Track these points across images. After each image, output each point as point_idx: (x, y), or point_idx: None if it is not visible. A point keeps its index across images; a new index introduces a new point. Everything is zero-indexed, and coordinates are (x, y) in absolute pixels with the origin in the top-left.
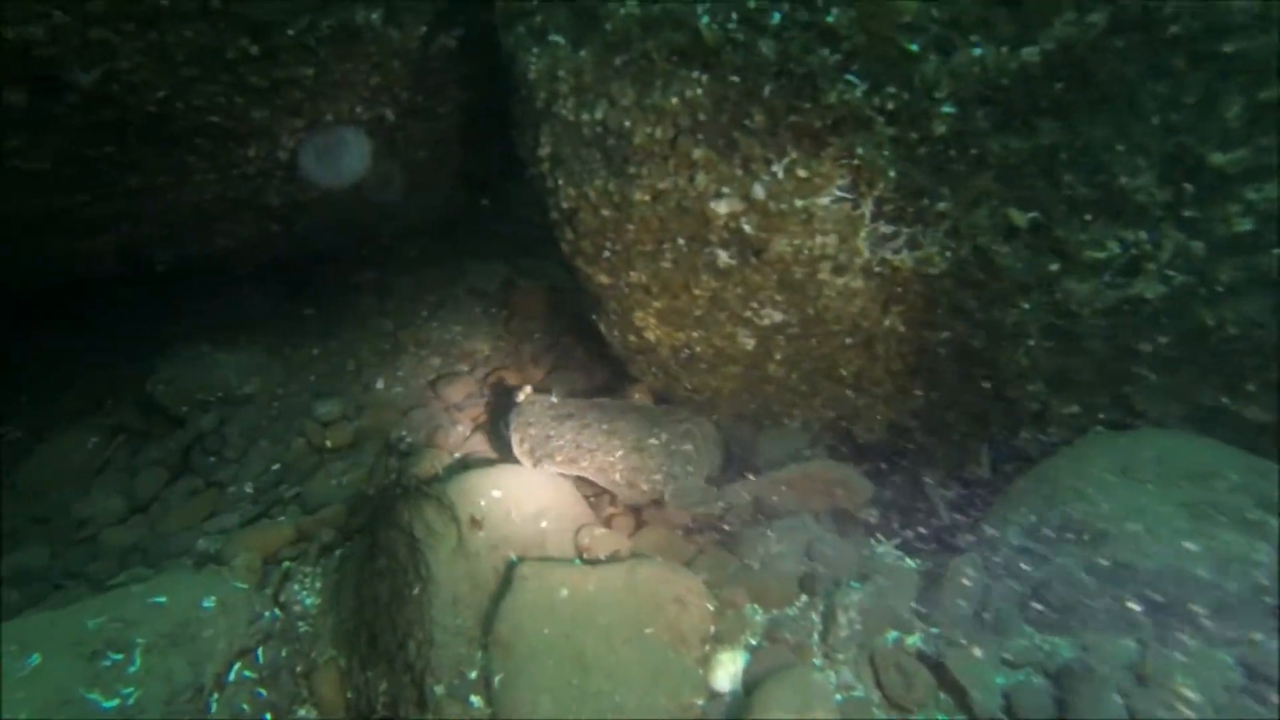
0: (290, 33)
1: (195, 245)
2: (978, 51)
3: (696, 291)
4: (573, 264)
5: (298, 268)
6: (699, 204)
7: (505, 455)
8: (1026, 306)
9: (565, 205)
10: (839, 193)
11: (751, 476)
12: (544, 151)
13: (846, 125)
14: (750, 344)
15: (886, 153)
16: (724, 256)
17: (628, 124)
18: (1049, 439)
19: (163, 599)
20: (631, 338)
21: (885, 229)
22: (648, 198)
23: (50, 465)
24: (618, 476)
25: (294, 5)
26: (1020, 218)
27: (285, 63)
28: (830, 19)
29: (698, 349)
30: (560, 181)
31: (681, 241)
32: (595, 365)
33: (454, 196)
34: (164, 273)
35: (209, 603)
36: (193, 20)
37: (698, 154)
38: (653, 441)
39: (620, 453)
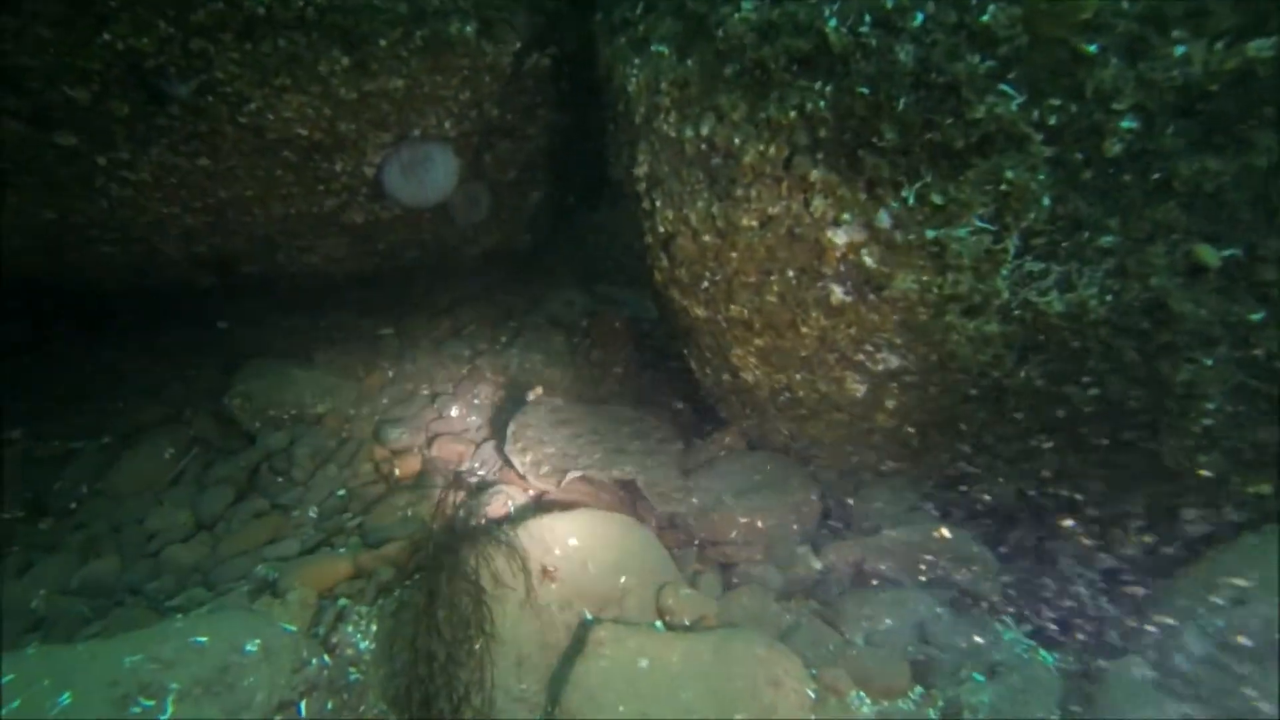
0: (383, 43)
1: (278, 259)
2: (1181, 50)
3: (804, 330)
4: (665, 294)
5: (376, 286)
6: (813, 232)
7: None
8: (1209, 362)
9: (662, 229)
10: (979, 223)
11: (850, 537)
12: (641, 170)
13: (995, 143)
14: (860, 390)
15: (1042, 176)
16: (838, 292)
17: (737, 141)
18: (1225, 521)
19: (204, 639)
20: (726, 376)
21: (1032, 266)
22: (755, 223)
23: (131, 473)
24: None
25: (389, 16)
26: (1211, 255)
27: (375, 74)
28: (986, 18)
29: (800, 393)
30: (658, 203)
31: (791, 273)
32: (680, 403)
33: (538, 221)
34: (248, 285)
35: (252, 647)
36: (288, 30)
37: (815, 175)
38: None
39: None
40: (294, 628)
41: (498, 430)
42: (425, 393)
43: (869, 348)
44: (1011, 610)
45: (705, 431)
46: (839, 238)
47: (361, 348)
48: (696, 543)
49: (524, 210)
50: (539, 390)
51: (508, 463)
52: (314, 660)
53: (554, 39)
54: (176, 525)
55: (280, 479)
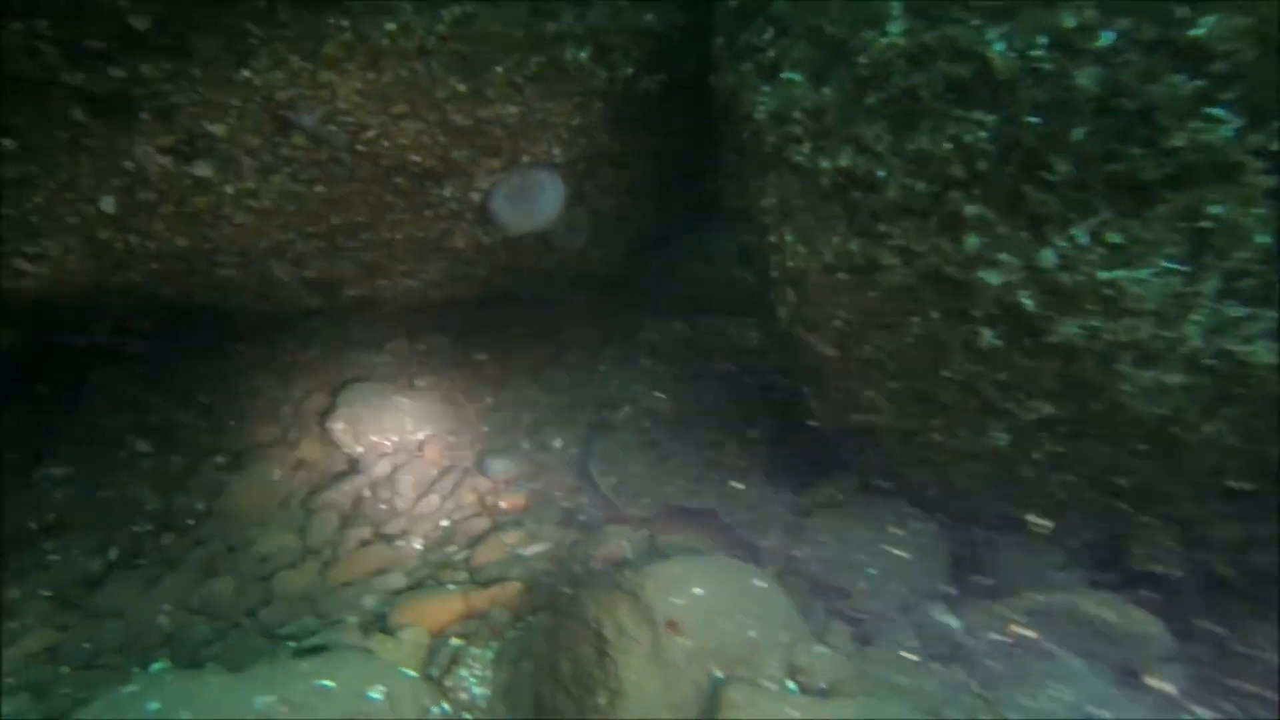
0: (499, 70)
1: (379, 283)
2: None
3: (946, 374)
4: (790, 331)
5: (474, 312)
6: (965, 272)
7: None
8: None
9: (791, 264)
10: (1167, 263)
11: (990, 597)
12: (768, 203)
13: (1197, 175)
14: (1004, 440)
15: (1258, 210)
16: (988, 336)
17: (881, 174)
18: None
19: (330, 683)
20: (854, 417)
21: (1234, 311)
22: (897, 261)
23: (243, 494)
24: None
25: (507, 43)
26: None
27: (491, 100)
28: (1198, 32)
29: (936, 438)
30: (788, 237)
31: (935, 315)
32: (789, 439)
33: (637, 249)
34: (350, 308)
35: (376, 693)
36: (409, 60)
37: (970, 211)
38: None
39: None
40: (414, 673)
41: (589, 457)
42: (527, 421)
43: (1020, 395)
44: (1198, 699)
45: (821, 473)
46: (993, 278)
47: (461, 374)
48: (819, 593)
49: (624, 238)
50: (626, 410)
51: (593, 486)
52: (434, 709)
53: (664, 64)
54: (285, 549)
55: (384, 507)
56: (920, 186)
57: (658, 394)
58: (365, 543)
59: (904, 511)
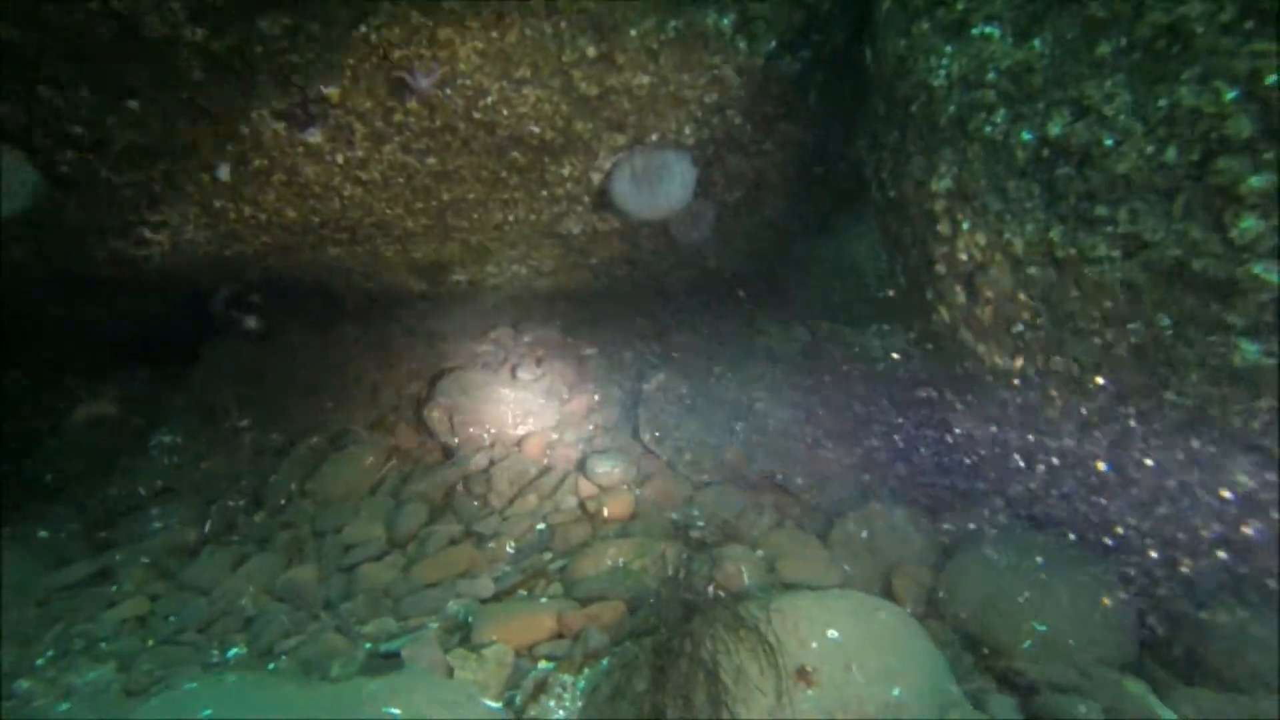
0: (633, 33)
1: (488, 269)
2: None
3: (1170, 396)
4: (953, 336)
5: (585, 304)
6: (1226, 266)
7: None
8: None
9: (965, 257)
10: None
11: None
12: (941, 185)
13: None
14: (1245, 482)
15: None
16: (1251, 350)
17: (1109, 142)
18: None
19: (397, 711)
20: (1015, 438)
21: None
22: (1118, 253)
23: (334, 478)
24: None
25: (643, 3)
26: None
27: (621, 68)
28: None
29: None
30: (964, 225)
31: (1166, 321)
32: (928, 459)
33: (760, 247)
34: (455, 293)
35: None
36: (535, 18)
37: (1250, 185)
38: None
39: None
40: (496, 704)
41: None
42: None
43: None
44: None
45: (967, 501)
46: (1275, 274)
47: (567, 368)
48: (970, 646)
49: (748, 234)
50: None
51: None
52: None
53: (810, 39)
54: (371, 539)
55: (476, 503)
56: (1170, 155)
57: (776, 402)
58: (454, 541)
59: (1077, 553)
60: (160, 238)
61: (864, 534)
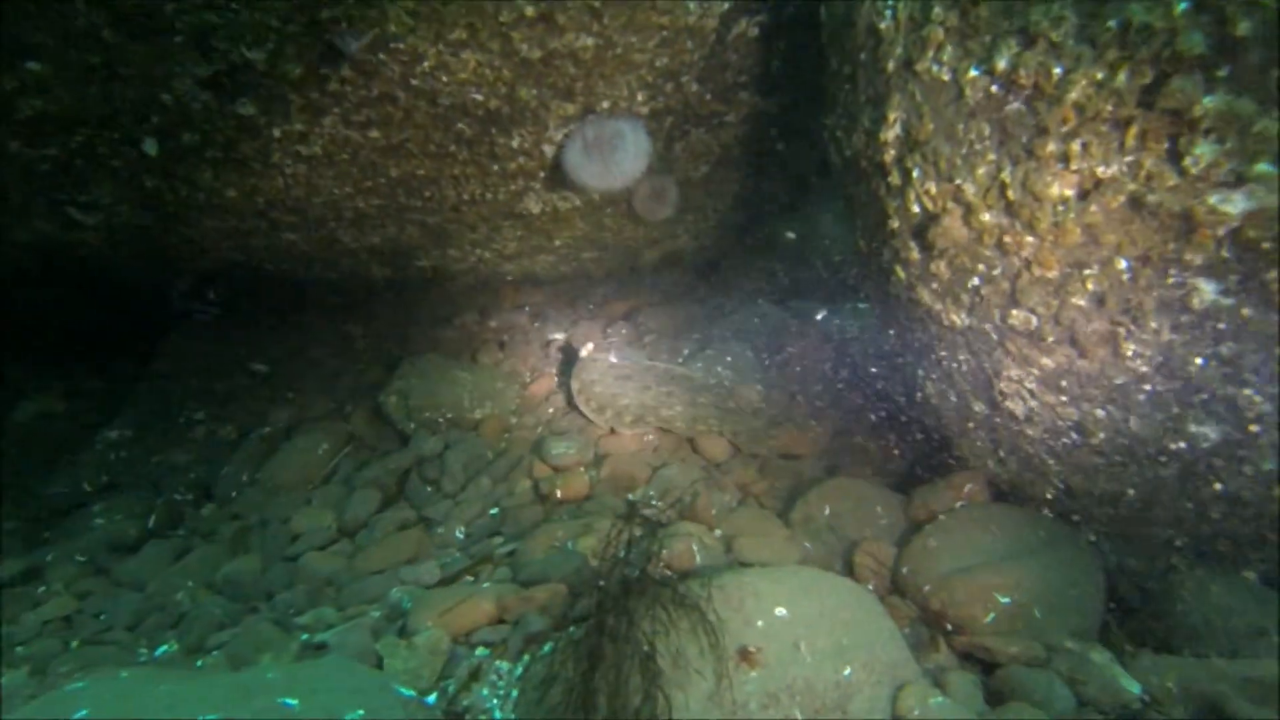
0: None
1: (450, 254)
2: None
3: (1128, 346)
4: (910, 294)
5: (549, 288)
6: (1181, 199)
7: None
8: None
9: (917, 209)
10: None
11: (1178, 651)
12: (890, 134)
13: None
14: (1211, 436)
15: None
16: (1208, 291)
17: (1056, 70)
18: None
19: (294, 701)
20: (979, 407)
21: None
22: (1071, 192)
23: (287, 467)
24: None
25: None
26: None
27: (563, 29)
28: None
29: (1099, 435)
30: (914, 174)
31: (1124, 264)
32: (894, 435)
33: (727, 224)
34: (419, 280)
35: (352, 718)
36: None
37: (1204, 107)
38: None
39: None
40: (411, 691)
41: (681, 454)
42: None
43: (1248, 376)
44: None
45: (935, 474)
46: (1233, 205)
47: (531, 353)
48: (932, 622)
49: (714, 211)
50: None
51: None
52: None
53: (765, 4)
54: (320, 529)
55: (429, 488)
56: (1121, 79)
57: (746, 382)
58: (404, 526)
59: (1045, 525)
60: (92, 220)
61: (826, 511)
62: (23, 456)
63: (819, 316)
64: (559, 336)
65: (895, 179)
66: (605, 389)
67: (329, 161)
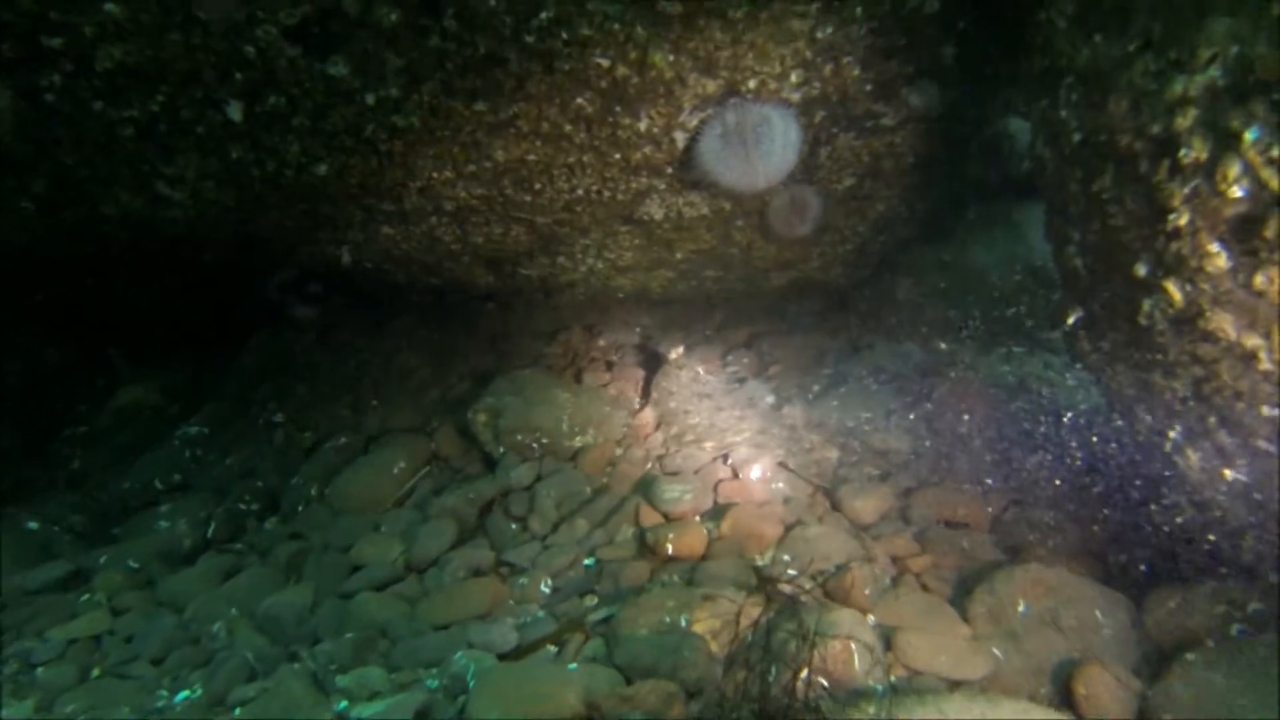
0: None
1: (560, 262)
2: None
3: None
4: (1191, 323)
5: (668, 308)
6: None
7: None
8: None
9: (1242, 191)
10: None
11: None
12: (1195, 83)
13: None
14: None
15: None
16: None
17: None
18: None
19: None
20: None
21: None
22: None
23: (358, 484)
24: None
25: None
26: None
27: None
28: None
29: None
30: (1253, 133)
31: None
32: (1109, 514)
33: (868, 248)
34: (525, 290)
35: None
36: None
37: None
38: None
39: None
40: None
41: (818, 510)
42: (714, 442)
43: None
44: None
45: (1166, 578)
46: None
47: (641, 377)
48: None
49: (854, 234)
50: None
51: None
52: None
53: None
54: (384, 561)
55: (514, 526)
56: None
57: (889, 431)
58: (479, 571)
59: None
60: (179, 195)
61: (1020, 608)
62: (107, 448)
63: (984, 358)
64: (674, 358)
65: (1196, 151)
66: (680, 404)
67: (428, 137)
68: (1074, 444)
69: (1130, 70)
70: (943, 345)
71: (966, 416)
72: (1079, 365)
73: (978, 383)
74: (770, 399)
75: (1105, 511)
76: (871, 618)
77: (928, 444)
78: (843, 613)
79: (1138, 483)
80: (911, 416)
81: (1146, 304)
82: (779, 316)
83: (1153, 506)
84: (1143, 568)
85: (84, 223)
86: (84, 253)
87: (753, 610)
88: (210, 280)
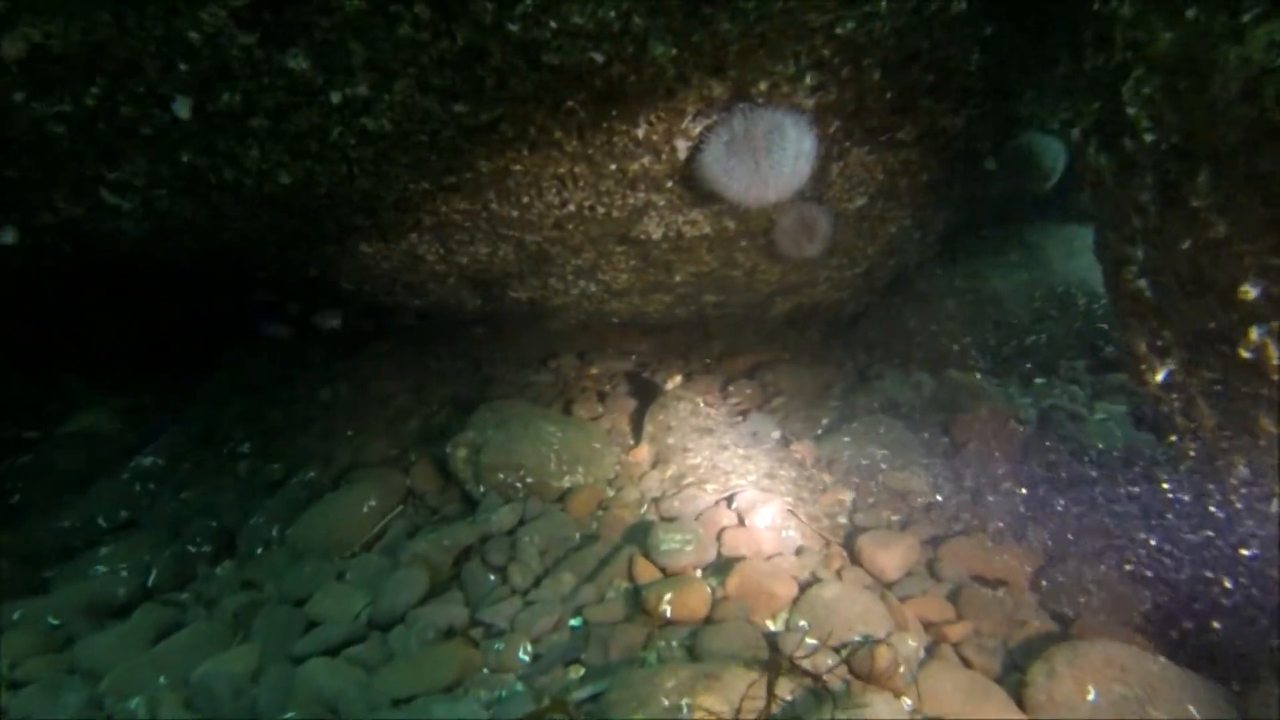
0: None
1: (551, 284)
2: None
3: None
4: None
5: (666, 334)
6: None
7: None
8: None
9: None
10: None
11: None
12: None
13: None
14: None
15: None
16: None
17: None
18: None
19: None
20: None
21: None
22: None
23: (323, 525)
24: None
25: None
26: None
27: None
28: None
29: None
30: None
31: None
32: (1188, 583)
33: (875, 273)
34: (514, 315)
35: None
36: None
37: None
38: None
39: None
40: None
41: (834, 564)
42: (716, 483)
43: None
44: None
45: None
46: None
47: (637, 410)
48: None
49: (863, 256)
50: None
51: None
52: None
53: None
54: (344, 617)
55: (493, 578)
56: None
57: (907, 470)
58: (450, 631)
59: None
60: (128, 204)
61: (1091, 696)
62: (54, 480)
63: (1002, 390)
64: (670, 389)
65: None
66: (679, 440)
67: (402, 143)
68: (1126, 491)
69: (1243, 44)
70: (957, 375)
71: (992, 455)
72: (1107, 400)
73: (999, 417)
74: (776, 434)
75: (1172, 573)
76: (907, 701)
77: (948, 485)
78: (875, 698)
79: (1218, 543)
80: (929, 454)
81: (1255, 333)
82: (781, 345)
83: (1240, 570)
84: (1218, 644)
85: (18, 231)
86: (17, 265)
87: (763, 689)
88: (176, 299)
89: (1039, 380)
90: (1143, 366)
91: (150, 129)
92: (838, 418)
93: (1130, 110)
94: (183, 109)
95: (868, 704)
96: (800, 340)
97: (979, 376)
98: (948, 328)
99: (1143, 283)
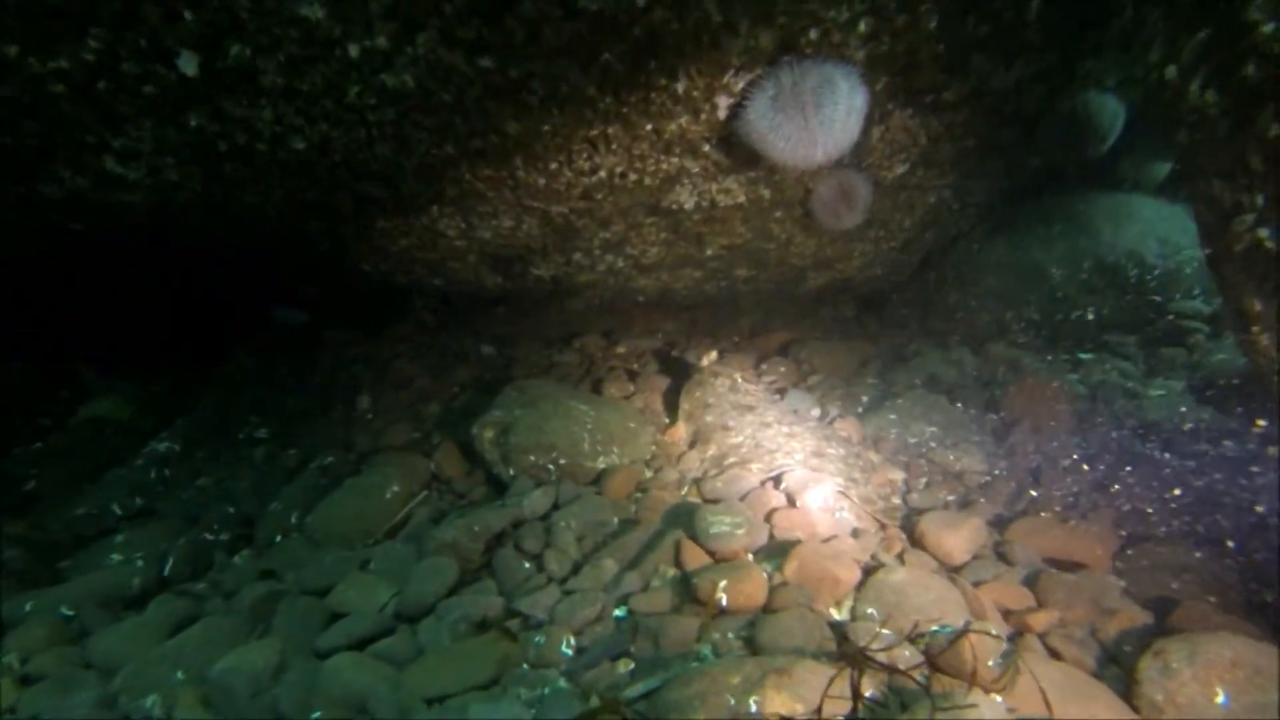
0: None
1: (575, 259)
2: None
3: None
4: None
5: (695, 311)
6: None
7: None
8: None
9: None
10: None
11: None
12: None
13: None
14: None
15: None
16: None
17: None
18: None
19: None
20: None
21: None
22: None
23: (343, 512)
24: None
25: None
26: None
27: None
28: None
29: None
30: None
31: None
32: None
33: (913, 245)
34: (538, 294)
35: None
36: None
37: None
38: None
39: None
40: None
41: (890, 540)
42: (760, 463)
43: None
44: None
45: None
46: None
47: (667, 388)
48: None
49: (899, 229)
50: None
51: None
52: None
53: None
54: (368, 609)
55: (528, 565)
56: None
57: (959, 448)
58: (483, 624)
59: None
60: (134, 174)
61: (1220, 697)
62: (68, 468)
63: (1047, 366)
64: (705, 367)
65: None
66: (717, 418)
67: (424, 103)
68: (1206, 466)
69: None
70: (1000, 351)
71: (1047, 432)
72: (1161, 376)
73: (1051, 393)
74: (816, 411)
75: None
76: (999, 700)
77: (1004, 463)
78: (971, 698)
79: None
80: (980, 431)
81: None
82: (812, 322)
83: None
84: None
85: (21, 206)
86: (27, 249)
87: (842, 686)
88: (188, 283)
89: (1087, 355)
90: (1255, 328)
91: (154, 87)
92: (878, 395)
93: (1265, 28)
94: (189, 65)
95: (969, 703)
96: (833, 316)
97: (1024, 352)
98: (988, 303)
99: (1263, 232)
